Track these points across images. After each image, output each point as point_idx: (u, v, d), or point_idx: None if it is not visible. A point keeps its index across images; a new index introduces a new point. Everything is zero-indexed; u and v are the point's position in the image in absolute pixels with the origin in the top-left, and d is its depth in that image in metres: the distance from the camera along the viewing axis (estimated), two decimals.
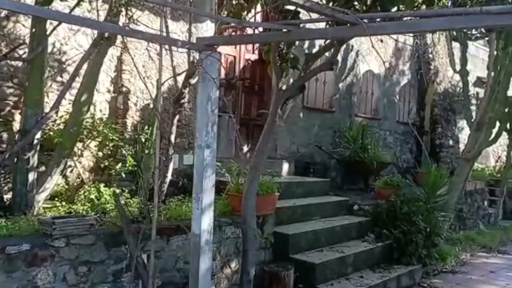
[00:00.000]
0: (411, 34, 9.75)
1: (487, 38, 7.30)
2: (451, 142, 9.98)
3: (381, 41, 8.69)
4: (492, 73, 6.90)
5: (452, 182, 7.07)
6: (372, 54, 8.70)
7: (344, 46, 7.96)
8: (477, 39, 7.51)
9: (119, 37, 4.81)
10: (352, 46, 8.19)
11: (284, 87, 3.97)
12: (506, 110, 6.82)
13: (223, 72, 6.26)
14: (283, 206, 5.15)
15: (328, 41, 3.72)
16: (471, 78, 11.65)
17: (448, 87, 10.40)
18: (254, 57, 6.66)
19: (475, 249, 7.29)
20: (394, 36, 9.16)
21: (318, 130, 7.59)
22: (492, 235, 8.22)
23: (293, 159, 6.97)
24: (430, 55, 10.02)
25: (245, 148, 6.66)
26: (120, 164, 4.35)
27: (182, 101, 4.28)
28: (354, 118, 8.26)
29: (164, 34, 3.34)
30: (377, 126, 8.97)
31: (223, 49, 6.21)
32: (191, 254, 3.00)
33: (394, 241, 5.51)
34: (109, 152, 4.56)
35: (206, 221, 2.97)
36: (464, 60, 6.97)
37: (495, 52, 6.91)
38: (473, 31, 7.36)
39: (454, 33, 7.01)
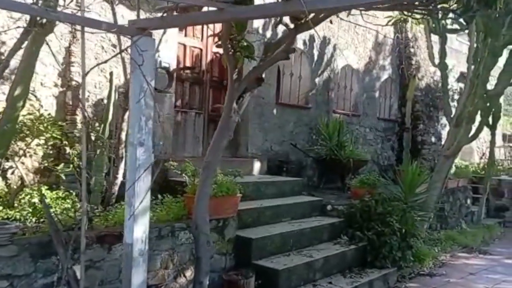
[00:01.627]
0: (392, 30, 9.50)
1: (467, 31, 7.03)
2: (433, 139, 9.74)
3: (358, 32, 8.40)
4: (472, 67, 6.64)
5: (431, 180, 6.81)
6: (350, 48, 8.41)
7: (321, 39, 7.69)
8: (457, 31, 7.24)
9: (67, 27, 4.45)
10: (329, 39, 7.89)
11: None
12: (487, 104, 6.55)
13: (188, 65, 5.91)
14: (248, 207, 4.82)
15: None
16: (455, 73, 11.47)
17: (431, 83, 10.16)
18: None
19: (455, 250, 7.03)
20: (374, 31, 8.90)
21: (293, 127, 7.27)
22: (474, 234, 7.99)
23: (266, 157, 6.65)
24: (412, 50, 9.77)
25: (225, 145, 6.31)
26: (62, 165, 3.97)
27: None
28: (332, 115, 7.96)
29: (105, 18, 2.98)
30: (356, 122, 8.69)
31: (188, 42, 5.87)
32: (123, 266, 2.65)
33: (368, 243, 5.21)
34: (52, 152, 4.18)
35: (140, 229, 2.63)
36: (442, 53, 6.70)
37: (475, 45, 6.65)
38: (452, 24, 7.10)
39: (433, 25, 6.74)
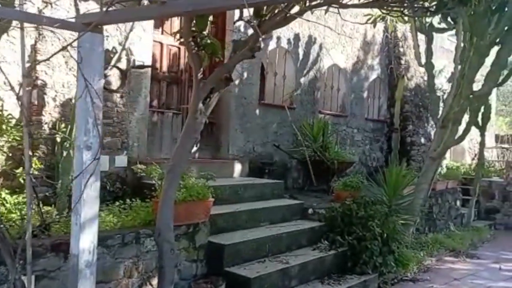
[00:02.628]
0: (381, 29, 9.35)
1: (455, 30, 6.87)
2: (423, 139, 9.59)
3: (350, 37, 8.24)
4: (459, 67, 6.49)
5: (418, 182, 6.65)
6: (337, 47, 8.25)
7: (306, 39, 7.52)
8: (444, 30, 7.09)
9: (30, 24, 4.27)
10: (315, 38, 7.72)
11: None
12: (474, 105, 6.40)
13: (165, 64, 5.74)
14: (224, 212, 4.66)
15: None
16: (447, 74, 11.31)
17: (420, 83, 10.01)
18: None
19: (442, 253, 6.89)
20: (362, 30, 8.75)
21: (277, 128, 7.10)
22: (462, 237, 7.85)
23: (248, 159, 6.48)
24: (401, 49, 9.62)
25: (193, 148, 6.14)
26: (21, 168, 3.79)
27: None
28: (318, 115, 7.79)
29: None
30: (344, 123, 8.53)
31: (165, 40, 5.70)
32: (69, 279, 2.48)
33: (349, 249, 5.06)
34: (17, 154, 3.99)
35: (87, 239, 2.45)
36: (429, 53, 6.55)
37: (462, 45, 6.50)
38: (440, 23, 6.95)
39: (418, 23, 6.58)
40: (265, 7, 3.14)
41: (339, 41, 8.25)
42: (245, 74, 6.50)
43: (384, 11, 3.88)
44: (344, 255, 5.04)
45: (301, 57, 7.47)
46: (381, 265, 5.00)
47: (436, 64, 10.25)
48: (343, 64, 8.42)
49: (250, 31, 6.46)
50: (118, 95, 4.93)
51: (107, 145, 4.83)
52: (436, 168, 6.75)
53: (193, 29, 3.14)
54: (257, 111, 6.75)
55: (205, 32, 3.10)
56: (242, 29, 6.37)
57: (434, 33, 7.10)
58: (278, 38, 6.99)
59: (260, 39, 3.10)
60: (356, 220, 5.20)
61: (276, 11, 3.13)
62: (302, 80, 7.54)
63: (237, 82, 6.39)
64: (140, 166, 4.07)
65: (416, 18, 6.48)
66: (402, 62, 9.57)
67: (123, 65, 4.95)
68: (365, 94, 9.08)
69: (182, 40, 3.10)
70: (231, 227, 4.62)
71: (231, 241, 4.29)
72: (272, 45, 6.92)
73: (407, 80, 9.54)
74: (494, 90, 15.57)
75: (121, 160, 4.93)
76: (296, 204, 5.71)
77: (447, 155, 12.07)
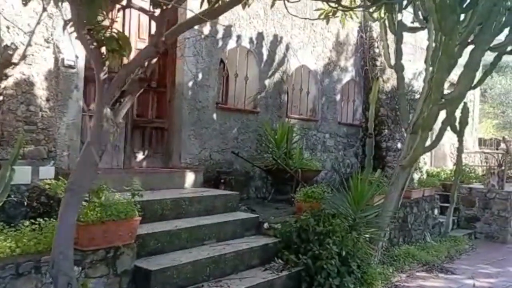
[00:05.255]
0: (356, 27, 8.90)
1: (427, 29, 6.43)
2: (399, 145, 9.14)
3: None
4: (431, 68, 6.04)
5: (387, 191, 6.18)
6: (307, 48, 7.78)
7: (271, 38, 7.05)
8: (417, 30, 6.64)
9: None
10: (281, 38, 7.24)
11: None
12: (447, 109, 5.94)
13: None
14: (159, 230, 4.13)
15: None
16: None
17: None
18: None
19: (414, 268, 6.41)
20: (334, 30, 8.29)
21: (238, 133, 6.59)
22: (438, 249, 7.40)
23: (203, 168, 5.97)
24: (377, 50, 9.17)
25: (140, 156, 5.62)
26: None
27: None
28: (285, 120, 7.30)
29: None
30: (314, 128, 8.05)
31: None
32: None
33: (304, 269, 4.57)
34: None
35: None
36: (398, 53, 6.09)
37: (433, 44, 6.04)
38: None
39: (387, 22, 6.13)
40: None
41: (308, 41, 7.78)
42: (200, 75, 5.99)
43: (332, 5, 3.39)
44: (298, 276, 4.55)
45: (265, 57, 6.98)
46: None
47: (415, 66, 9.87)
48: (313, 65, 7.95)
49: (206, 30, 5.97)
50: (44, 98, 4.39)
51: (30, 154, 4.29)
52: (408, 176, 6.27)
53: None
54: (215, 116, 6.24)
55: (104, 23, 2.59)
56: (196, 26, 5.85)
57: (407, 33, 6.66)
58: (239, 36, 6.49)
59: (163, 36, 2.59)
60: (313, 237, 4.71)
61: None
62: (266, 82, 7.05)
63: (190, 84, 5.88)
64: (48, 181, 3.52)
65: (385, 16, 6.03)
66: (378, 63, 9.13)
67: (49, 64, 4.42)
68: (338, 97, 8.61)
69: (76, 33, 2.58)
70: (167, 248, 4.10)
71: (161, 265, 3.76)
72: (231, 44, 6.42)
73: (383, 82, 9.10)
74: (478, 92, 15.32)
75: (47, 172, 4.38)
76: (251, 218, 5.20)
77: (428, 160, 11.67)
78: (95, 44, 2.64)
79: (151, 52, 2.69)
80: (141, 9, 2.75)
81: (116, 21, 2.95)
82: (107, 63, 2.77)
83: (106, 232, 3.43)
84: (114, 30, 2.66)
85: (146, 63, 2.94)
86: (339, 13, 4.32)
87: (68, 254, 2.79)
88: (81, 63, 4.67)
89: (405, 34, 6.75)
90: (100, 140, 2.84)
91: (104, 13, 2.59)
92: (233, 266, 4.34)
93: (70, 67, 4.55)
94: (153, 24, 4.57)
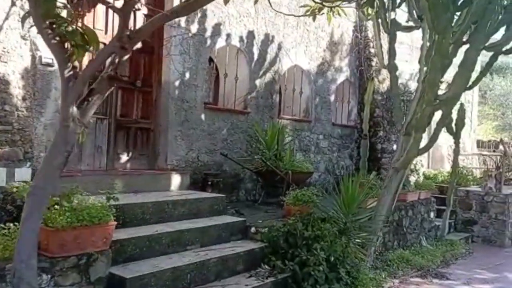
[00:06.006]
0: (351, 27, 8.74)
1: (421, 29, 6.27)
2: (395, 146, 8.96)
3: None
4: (425, 68, 5.87)
5: (380, 195, 6.01)
6: (299, 47, 7.61)
7: (262, 37, 6.89)
8: (410, 29, 6.47)
9: None
10: (273, 37, 7.07)
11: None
12: (441, 110, 5.77)
13: (87, 62, 5.04)
14: (138, 235, 3.96)
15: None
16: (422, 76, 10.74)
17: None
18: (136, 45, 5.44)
19: (408, 273, 6.23)
20: (328, 29, 8.14)
21: (227, 134, 6.43)
22: (433, 253, 7.22)
23: (190, 169, 5.80)
24: (372, 50, 9.00)
25: (124, 157, 5.45)
26: None
27: None
28: (277, 120, 7.14)
29: None
30: (307, 129, 7.88)
31: None
32: None
33: (291, 275, 4.39)
34: None
35: None
36: (392, 53, 5.92)
37: (427, 44, 5.88)
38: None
39: (380, 21, 5.97)
40: None
41: (301, 40, 7.62)
42: (187, 75, 5.82)
43: (317, 0, 3.23)
44: (285, 283, 4.37)
45: (256, 56, 6.82)
46: None
47: (412, 66, 9.70)
48: (307, 65, 7.78)
49: (194, 27, 5.81)
50: (20, 97, 4.23)
51: (5, 155, 4.12)
52: (401, 178, 6.11)
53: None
54: (203, 116, 6.07)
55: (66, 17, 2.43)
56: (183, 24, 5.70)
57: (403, 32, 6.51)
58: (228, 35, 6.33)
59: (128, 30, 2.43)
60: (301, 241, 4.54)
61: None
62: (257, 82, 6.88)
63: (177, 83, 5.72)
64: (16, 184, 3.35)
65: (377, 15, 5.87)
66: (373, 63, 8.96)
67: (26, 62, 4.25)
68: (332, 98, 8.45)
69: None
70: (146, 254, 3.92)
71: (139, 272, 3.58)
72: (220, 42, 6.25)
73: (378, 82, 8.94)
74: (477, 93, 15.14)
75: (23, 173, 4.21)
76: (238, 222, 5.03)
77: (425, 162, 11.50)
78: (57, 38, 2.48)
79: (115, 48, 2.53)
80: (100, 1, 2.59)
81: (86, 15, 2.81)
82: (77, 60, 2.59)
83: (77, 238, 3.26)
84: (79, 25, 2.50)
85: (116, 60, 2.77)
86: (325, 10, 4.16)
87: (31, 262, 2.62)
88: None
89: (401, 34, 6.62)
90: (66, 141, 2.67)
91: (69, 6, 2.42)
92: (216, 272, 4.16)
93: (48, 65, 4.38)
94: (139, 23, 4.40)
